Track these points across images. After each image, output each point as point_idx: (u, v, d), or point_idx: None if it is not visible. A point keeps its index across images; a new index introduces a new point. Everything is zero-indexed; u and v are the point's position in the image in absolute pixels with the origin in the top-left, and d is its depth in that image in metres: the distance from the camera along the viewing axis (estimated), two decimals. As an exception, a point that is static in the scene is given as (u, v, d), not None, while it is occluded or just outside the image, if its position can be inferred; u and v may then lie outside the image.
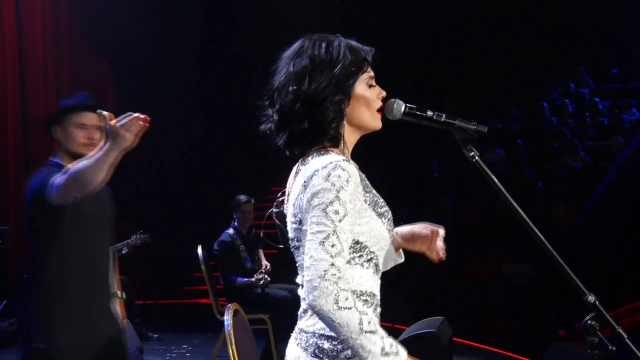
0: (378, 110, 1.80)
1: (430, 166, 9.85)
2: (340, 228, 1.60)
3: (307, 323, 1.69)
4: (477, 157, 1.77)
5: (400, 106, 1.80)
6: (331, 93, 1.71)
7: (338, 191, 1.62)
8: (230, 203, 5.65)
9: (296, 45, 1.79)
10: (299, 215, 1.68)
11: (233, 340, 2.69)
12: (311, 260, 1.58)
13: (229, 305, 2.89)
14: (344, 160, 1.67)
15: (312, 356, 1.67)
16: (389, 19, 10.36)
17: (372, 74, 1.80)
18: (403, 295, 7.28)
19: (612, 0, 11.18)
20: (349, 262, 1.67)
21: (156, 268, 7.95)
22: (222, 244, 5.37)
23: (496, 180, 1.79)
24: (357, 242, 1.69)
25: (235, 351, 2.66)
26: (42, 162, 7.85)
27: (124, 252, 6.05)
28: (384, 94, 1.81)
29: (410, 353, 1.65)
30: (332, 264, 1.57)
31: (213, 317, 5.22)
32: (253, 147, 9.55)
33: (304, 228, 1.66)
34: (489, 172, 1.79)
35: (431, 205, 8.95)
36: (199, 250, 5.21)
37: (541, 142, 10.24)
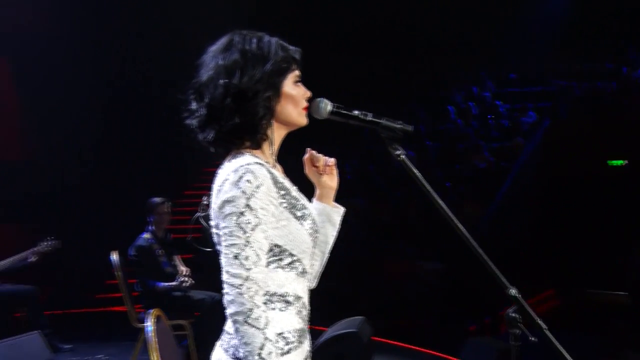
0: (305, 109, 1.81)
1: (342, 168, 9.97)
2: (253, 238, 1.61)
3: (230, 325, 1.69)
4: (403, 156, 1.81)
5: (326, 105, 1.82)
6: (262, 89, 1.70)
7: (248, 199, 1.61)
8: (143, 206, 5.51)
9: (224, 39, 1.76)
10: (216, 220, 1.68)
11: (155, 346, 2.64)
12: (227, 275, 1.60)
13: (150, 310, 2.84)
14: (255, 163, 1.66)
15: (232, 358, 1.67)
16: (294, 20, 10.41)
17: (298, 72, 1.81)
18: (320, 295, 7.33)
19: (511, 6, 11.70)
20: (268, 265, 1.68)
21: (65, 276, 7.65)
22: (138, 249, 5.23)
23: (422, 178, 1.84)
24: (276, 246, 1.69)
25: (157, 357, 2.61)
26: None
27: (30, 259, 5.78)
28: (309, 94, 1.82)
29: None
30: (247, 278, 1.59)
31: (128, 325, 5.06)
32: (167, 150, 9.39)
33: (220, 233, 1.66)
34: (415, 170, 1.83)
35: (344, 207, 9.04)
36: (113, 256, 5.06)
37: (448, 143, 10.57)
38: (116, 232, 6.30)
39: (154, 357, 2.62)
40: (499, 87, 12.34)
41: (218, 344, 1.74)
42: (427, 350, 5.98)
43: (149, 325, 2.71)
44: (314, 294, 5.79)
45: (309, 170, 1.94)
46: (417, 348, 6.03)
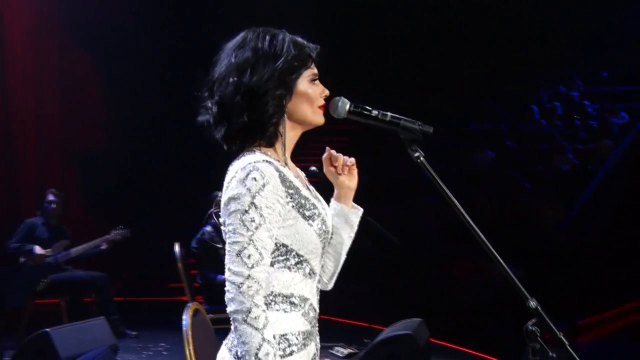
0: (322, 107, 1.78)
1: (416, 166, 9.82)
2: (256, 236, 1.60)
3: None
4: (422, 158, 1.76)
5: (345, 104, 1.77)
6: (272, 87, 1.68)
7: (254, 197, 1.61)
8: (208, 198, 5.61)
9: (239, 37, 1.76)
10: (223, 217, 1.68)
11: (190, 340, 2.67)
12: (229, 273, 1.60)
13: (189, 304, 2.87)
14: (264, 161, 1.65)
15: (235, 357, 1.66)
16: (367, 16, 10.30)
17: (315, 71, 1.77)
18: (384, 295, 7.26)
19: (602, 2, 11.15)
20: (273, 264, 1.66)
21: (140, 264, 7.90)
22: (200, 241, 5.34)
23: (441, 182, 1.77)
24: (282, 245, 1.67)
25: (192, 351, 2.64)
26: (26, 160, 7.62)
27: (102, 247, 6.03)
28: (327, 92, 1.79)
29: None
30: (249, 276, 1.58)
31: (192, 315, 5.17)
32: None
33: (225, 230, 1.66)
34: (434, 173, 1.77)
35: (416, 205, 8.93)
36: (176, 248, 5.18)
37: (529, 143, 10.23)
38: (186, 222, 6.45)
39: (187, 351, 2.65)
40: (588, 86, 11.82)
41: (224, 342, 1.74)
42: (491, 357, 5.81)
43: (186, 318, 2.74)
44: (378, 291, 5.75)
45: (327, 170, 1.89)
46: (481, 354, 5.86)
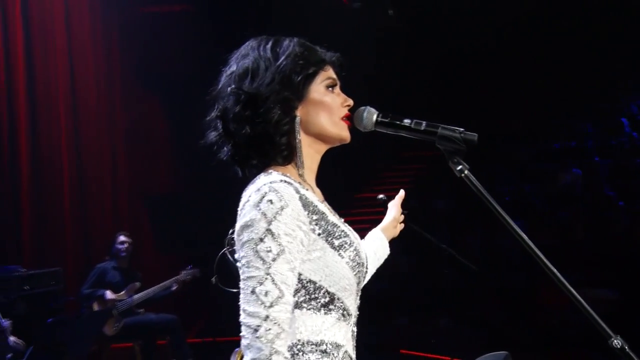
0: (345, 120, 1.55)
1: (500, 190, 9.41)
2: (274, 269, 1.34)
3: None
4: (466, 172, 1.48)
5: (371, 115, 1.54)
6: (276, 90, 1.46)
7: (270, 222, 1.35)
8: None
9: (243, 46, 1.57)
10: (238, 252, 1.43)
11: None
12: (244, 315, 1.35)
13: (236, 349, 2.66)
14: (282, 181, 1.40)
15: None
16: (448, 30, 10.02)
17: (331, 75, 1.54)
18: (473, 326, 6.87)
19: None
20: (299, 307, 1.41)
21: (217, 305, 7.81)
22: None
23: (492, 199, 1.49)
24: (310, 282, 1.41)
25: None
26: (98, 205, 7.72)
27: (173, 288, 5.95)
28: (350, 102, 1.55)
29: None
30: (267, 317, 1.32)
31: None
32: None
33: (239, 265, 1.41)
34: (482, 190, 1.49)
35: (502, 230, 8.52)
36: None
37: (621, 158, 9.63)
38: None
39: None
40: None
41: None
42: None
43: (232, 365, 2.53)
44: (464, 325, 5.42)
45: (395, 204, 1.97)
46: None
